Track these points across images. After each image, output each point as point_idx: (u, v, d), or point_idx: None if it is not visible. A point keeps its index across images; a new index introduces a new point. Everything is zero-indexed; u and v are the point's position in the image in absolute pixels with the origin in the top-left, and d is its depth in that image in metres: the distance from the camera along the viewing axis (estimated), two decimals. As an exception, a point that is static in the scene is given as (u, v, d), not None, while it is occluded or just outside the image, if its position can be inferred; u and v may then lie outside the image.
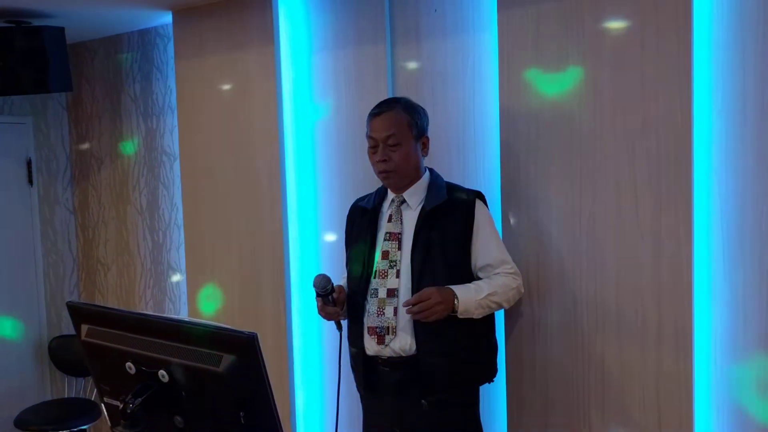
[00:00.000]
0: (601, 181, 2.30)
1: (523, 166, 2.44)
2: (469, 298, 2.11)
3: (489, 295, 2.14)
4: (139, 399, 1.48)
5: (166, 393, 1.48)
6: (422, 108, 2.29)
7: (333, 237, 2.93)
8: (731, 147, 2.15)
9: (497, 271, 2.21)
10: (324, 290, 2.18)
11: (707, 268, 2.20)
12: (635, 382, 2.27)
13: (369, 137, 2.24)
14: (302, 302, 3.07)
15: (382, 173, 2.22)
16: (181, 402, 1.48)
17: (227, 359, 1.39)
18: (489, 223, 2.24)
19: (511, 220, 2.46)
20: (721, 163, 2.16)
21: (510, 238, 2.43)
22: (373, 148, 2.23)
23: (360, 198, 2.43)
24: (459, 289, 2.12)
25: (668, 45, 2.17)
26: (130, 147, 3.74)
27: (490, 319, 2.27)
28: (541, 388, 2.44)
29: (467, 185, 2.37)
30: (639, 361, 2.26)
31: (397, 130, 2.18)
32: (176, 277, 3.60)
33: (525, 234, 2.44)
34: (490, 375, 2.29)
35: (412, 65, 2.73)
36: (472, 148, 2.61)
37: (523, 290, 2.28)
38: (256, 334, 1.36)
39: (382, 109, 2.23)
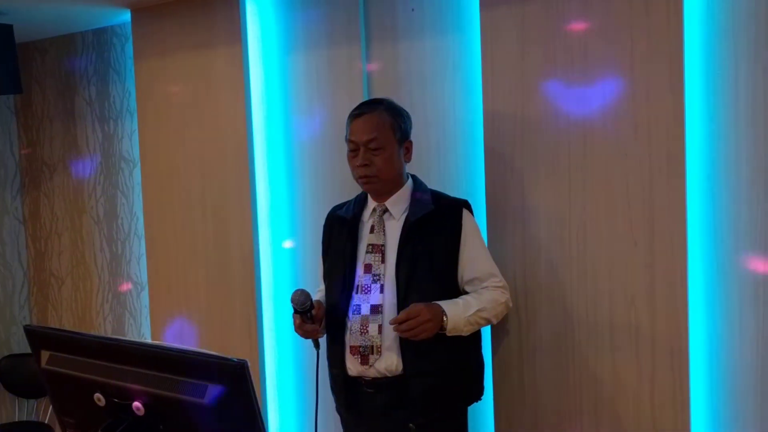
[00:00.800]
0: (591, 187, 2.23)
1: (509, 173, 2.35)
2: (457, 314, 2.00)
3: (478, 311, 2.03)
4: (111, 435, 1.33)
5: (142, 428, 1.33)
6: (406, 111, 2.17)
7: (308, 247, 2.78)
8: (724, 152, 2.10)
9: (485, 284, 2.10)
10: (303, 307, 2.03)
11: (702, 276, 2.14)
12: (629, 396, 2.20)
13: (349, 140, 2.10)
14: (275, 318, 2.91)
15: (362, 178, 2.09)
16: (159, 438, 1.32)
17: (213, 390, 1.24)
18: (476, 233, 2.14)
19: (497, 229, 2.37)
20: (714, 169, 2.11)
21: (495, 248, 2.33)
22: (353, 152, 2.09)
23: (337, 206, 2.30)
24: (447, 306, 2.00)
25: (659, 47, 2.11)
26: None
27: (477, 336, 2.17)
28: (530, 406, 2.34)
29: (449, 193, 2.26)
30: (633, 374, 2.19)
31: (380, 133, 2.06)
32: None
33: (511, 244, 2.35)
34: (478, 393, 2.19)
35: (388, 66, 2.61)
36: (454, 154, 2.51)
37: (511, 304, 2.18)
38: (247, 362, 1.22)
39: (363, 110, 2.10)
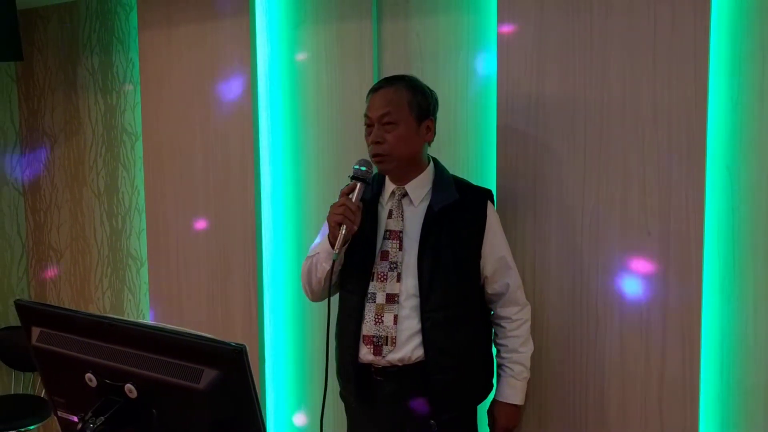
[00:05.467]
0: (606, 173, 2.15)
1: (522, 157, 2.27)
2: (518, 389, 2.08)
3: (526, 365, 2.08)
4: (102, 417, 1.27)
5: (134, 411, 1.28)
6: (429, 88, 2.04)
7: (311, 227, 2.72)
8: (747, 142, 2.01)
9: (508, 311, 2.06)
10: (366, 173, 1.89)
11: (717, 268, 2.07)
12: (637, 389, 2.14)
13: (365, 116, 2.00)
14: (276, 297, 2.85)
15: (375, 157, 1.96)
16: (151, 422, 1.27)
17: (209, 374, 1.18)
18: (499, 226, 2.07)
19: (507, 215, 2.29)
20: (735, 157, 2.03)
21: (505, 234, 2.25)
22: (368, 128, 1.98)
23: None
24: (510, 393, 2.06)
25: (683, 27, 2.02)
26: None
27: (489, 332, 2.12)
28: (535, 397, 2.29)
29: (459, 176, 2.18)
30: (642, 368, 2.13)
31: (394, 108, 1.93)
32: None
33: (521, 230, 2.28)
34: (489, 389, 2.13)
35: (400, 43, 2.53)
36: (465, 136, 2.43)
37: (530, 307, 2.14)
38: (245, 347, 1.16)
39: (381, 85, 2.00)
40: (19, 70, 3.69)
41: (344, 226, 1.85)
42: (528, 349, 2.08)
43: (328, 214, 1.90)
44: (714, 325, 2.08)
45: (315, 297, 2.09)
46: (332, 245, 1.89)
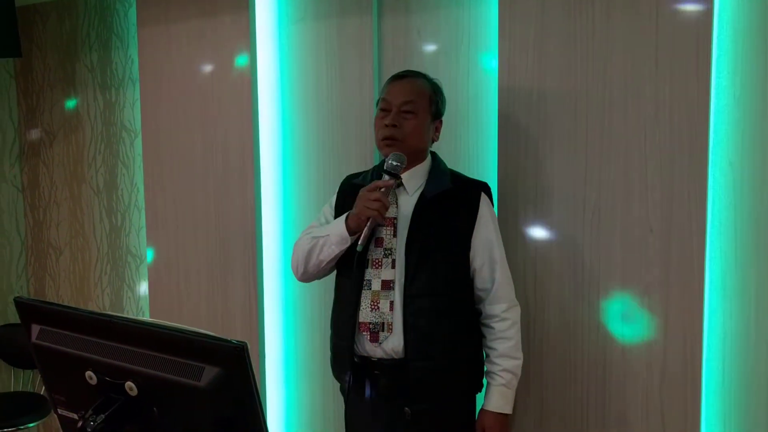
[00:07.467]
0: (608, 169, 2.14)
1: (523, 154, 2.27)
2: (509, 398, 2.00)
3: (517, 374, 2.02)
4: (102, 415, 1.26)
5: (134, 409, 1.27)
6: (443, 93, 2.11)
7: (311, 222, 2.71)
8: (750, 137, 2.01)
9: (495, 308, 2.00)
10: (396, 169, 1.91)
11: (720, 264, 2.06)
12: (639, 386, 2.13)
13: (383, 100, 2.02)
14: (276, 293, 2.85)
15: (386, 140, 1.98)
16: (152, 420, 1.26)
17: (210, 372, 1.18)
18: (492, 219, 2.04)
19: (507, 211, 2.29)
20: (738, 154, 2.02)
21: (506, 231, 2.25)
22: (383, 111, 2.01)
23: (353, 175, 2.19)
24: (501, 402, 1.98)
25: (686, 23, 2.01)
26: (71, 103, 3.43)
27: (478, 327, 2.09)
28: (536, 394, 2.28)
29: (460, 171, 2.17)
30: (644, 364, 2.12)
31: (417, 98, 1.99)
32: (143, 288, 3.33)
33: (523, 227, 2.27)
34: (475, 386, 2.09)
35: (400, 40, 2.52)
36: (466, 133, 2.43)
37: (519, 314, 2.08)
38: (246, 345, 1.15)
39: (406, 74, 2.06)
40: (17, 67, 3.67)
41: (372, 221, 1.89)
42: (520, 356, 2.02)
43: (358, 202, 1.92)
44: (716, 321, 2.07)
45: (306, 277, 2.10)
46: (351, 232, 1.94)
